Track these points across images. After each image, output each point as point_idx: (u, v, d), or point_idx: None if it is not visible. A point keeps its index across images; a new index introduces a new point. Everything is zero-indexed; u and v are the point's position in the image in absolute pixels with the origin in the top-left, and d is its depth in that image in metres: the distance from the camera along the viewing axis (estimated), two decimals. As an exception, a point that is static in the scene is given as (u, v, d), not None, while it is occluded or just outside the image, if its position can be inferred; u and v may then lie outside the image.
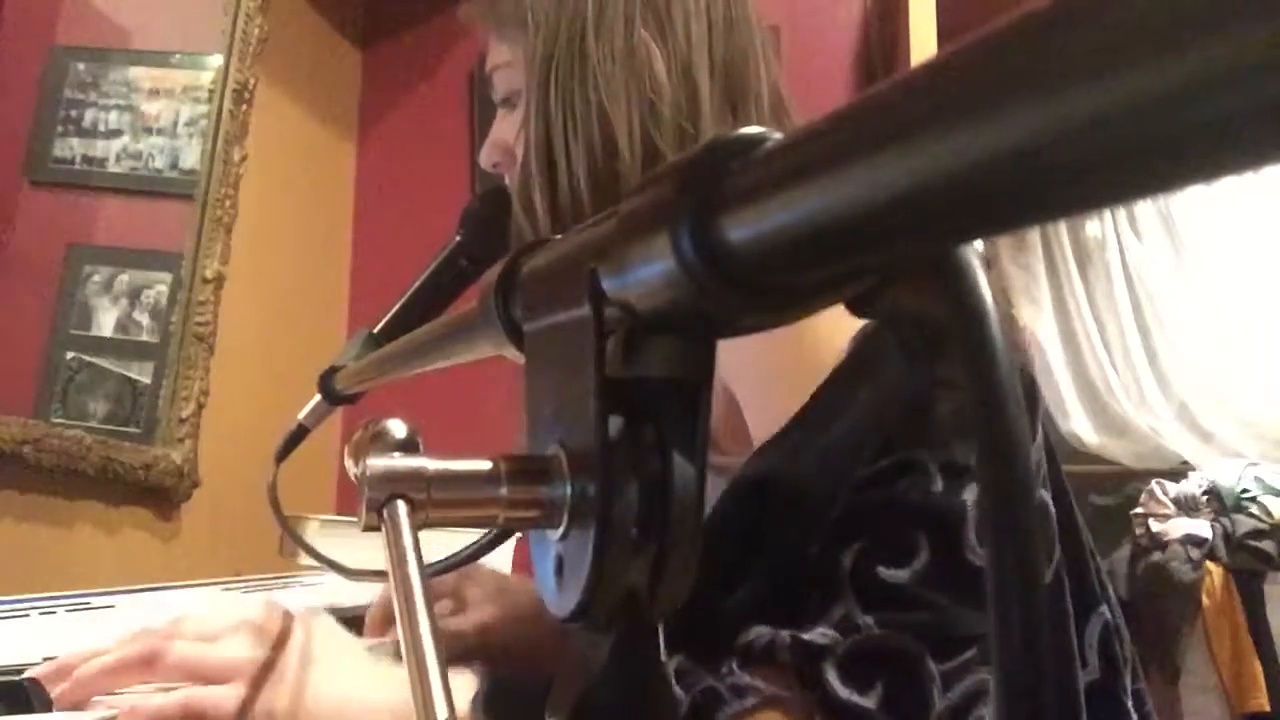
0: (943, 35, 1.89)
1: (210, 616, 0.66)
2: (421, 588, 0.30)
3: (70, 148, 1.56)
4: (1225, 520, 2.50)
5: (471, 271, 0.84)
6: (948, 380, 0.52)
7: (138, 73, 1.66)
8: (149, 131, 1.66)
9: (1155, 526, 2.55)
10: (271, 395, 1.76)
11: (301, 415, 0.83)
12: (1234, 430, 2.83)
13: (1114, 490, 2.83)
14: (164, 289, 1.67)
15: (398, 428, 0.41)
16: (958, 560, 0.52)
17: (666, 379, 0.27)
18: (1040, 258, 3.07)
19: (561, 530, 0.28)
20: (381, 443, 0.41)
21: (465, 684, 0.60)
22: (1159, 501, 2.59)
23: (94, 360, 1.57)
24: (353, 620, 0.80)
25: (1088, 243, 3.07)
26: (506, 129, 0.77)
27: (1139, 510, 2.62)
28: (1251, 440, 2.79)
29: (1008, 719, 0.17)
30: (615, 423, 0.27)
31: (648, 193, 0.23)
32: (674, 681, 0.52)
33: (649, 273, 0.23)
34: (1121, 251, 3.04)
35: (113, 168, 1.61)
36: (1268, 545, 2.45)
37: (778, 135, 0.21)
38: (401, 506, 0.29)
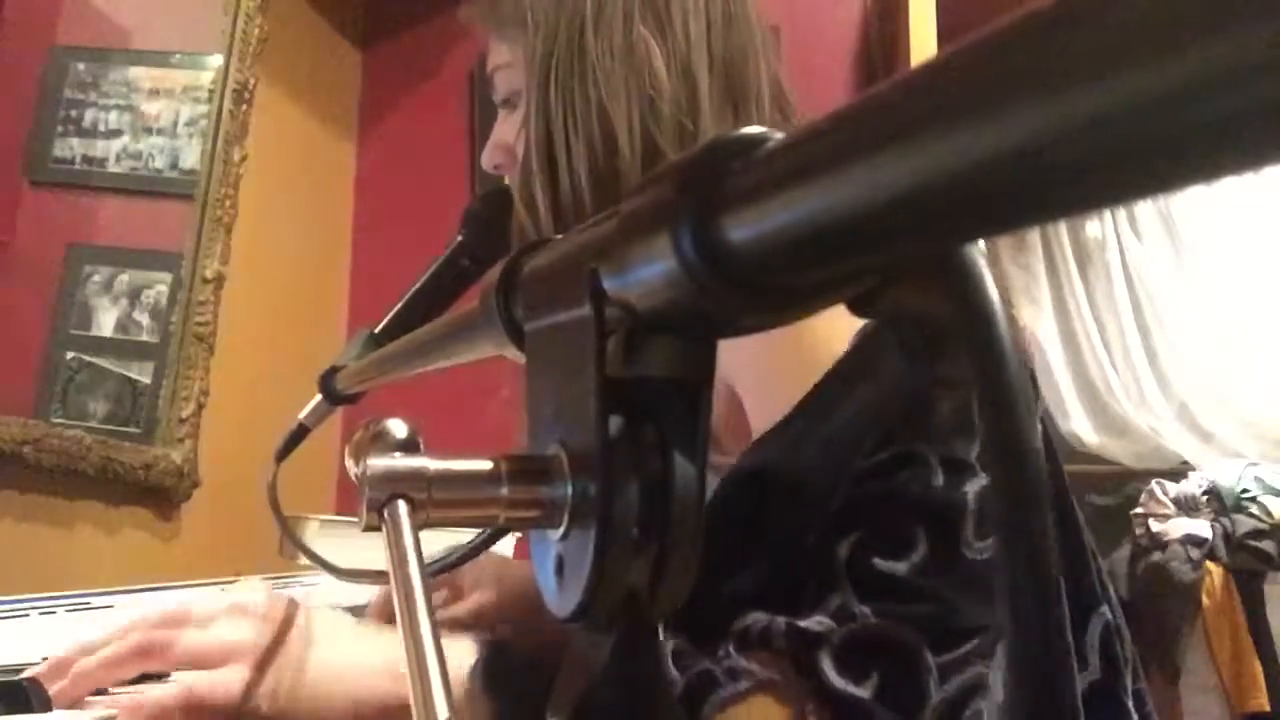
0: (943, 35, 1.89)
1: (205, 603, 0.66)
2: (422, 588, 0.30)
3: (70, 148, 1.56)
4: (1225, 520, 2.50)
5: (473, 271, 0.84)
6: (948, 379, 0.52)
7: (138, 73, 1.66)
8: (149, 131, 1.66)
9: (1155, 526, 2.55)
10: (271, 395, 1.76)
11: (302, 415, 0.83)
12: (1234, 430, 2.83)
13: (1114, 490, 2.83)
14: (164, 289, 1.67)
15: (398, 428, 0.41)
16: (956, 554, 0.52)
17: (667, 379, 0.27)
18: (1040, 258, 3.08)
19: (562, 530, 0.28)
20: (382, 443, 0.41)
21: (465, 650, 0.60)
22: (1159, 501, 2.59)
23: (94, 360, 1.57)
24: (352, 620, 0.80)
25: (1088, 243, 3.07)
26: (507, 130, 0.77)
27: (1139, 510, 2.62)
28: (1251, 440, 2.79)
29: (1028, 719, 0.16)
30: (616, 422, 0.27)
31: (648, 192, 0.23)
32: (670, 662, 0.52)
33: (650, 272, 0.23)
34: (1121, 251, 3.04)
35: (113, 168, 1.61)
36: (1268, 545, 2.45)
37: (778, 135, 0.21)
38: (402, 506, 0.29)
